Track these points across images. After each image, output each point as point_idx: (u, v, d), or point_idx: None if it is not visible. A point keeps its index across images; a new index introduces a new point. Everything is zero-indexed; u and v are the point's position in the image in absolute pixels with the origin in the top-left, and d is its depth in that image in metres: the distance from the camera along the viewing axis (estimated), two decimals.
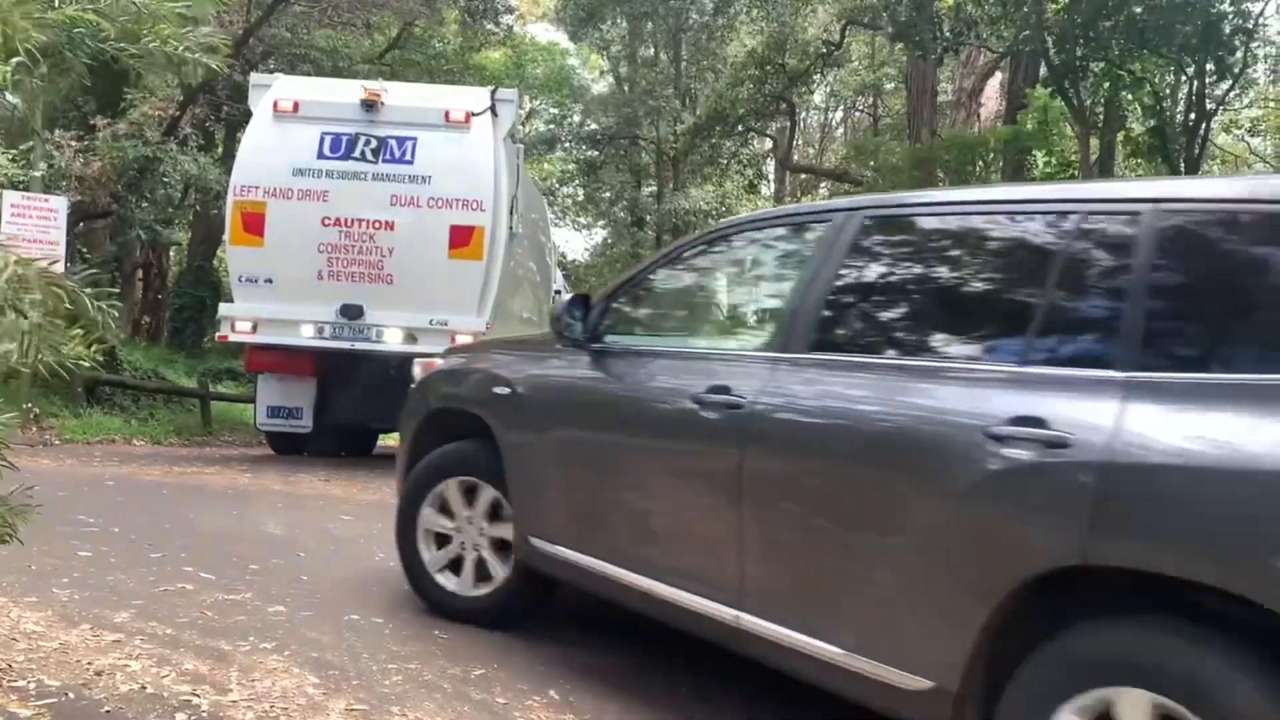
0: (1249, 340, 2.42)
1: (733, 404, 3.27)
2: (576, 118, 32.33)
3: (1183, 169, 13.97)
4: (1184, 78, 14.11)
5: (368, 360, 9.79)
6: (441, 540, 4.41)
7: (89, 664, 3.37)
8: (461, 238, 9.19)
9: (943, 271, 3.22)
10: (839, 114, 30.67)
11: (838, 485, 3.01)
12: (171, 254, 25.32)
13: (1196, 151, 14.18)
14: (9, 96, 11.93)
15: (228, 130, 18.46)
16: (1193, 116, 13.98)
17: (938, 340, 3.08)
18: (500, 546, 4.27)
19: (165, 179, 14.02)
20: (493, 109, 9.58)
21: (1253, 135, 19.38)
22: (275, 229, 9.26)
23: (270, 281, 9.35)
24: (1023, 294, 2.90)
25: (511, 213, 9.73)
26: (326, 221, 9.21)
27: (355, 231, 9.20)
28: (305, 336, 9.43)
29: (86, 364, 2.22)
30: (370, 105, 9.33)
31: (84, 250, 15.55)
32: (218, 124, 17.83)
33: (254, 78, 10.47)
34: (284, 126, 9.50)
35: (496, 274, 9.54)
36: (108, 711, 3.01)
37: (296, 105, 9.50)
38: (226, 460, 10.32)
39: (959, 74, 21.13)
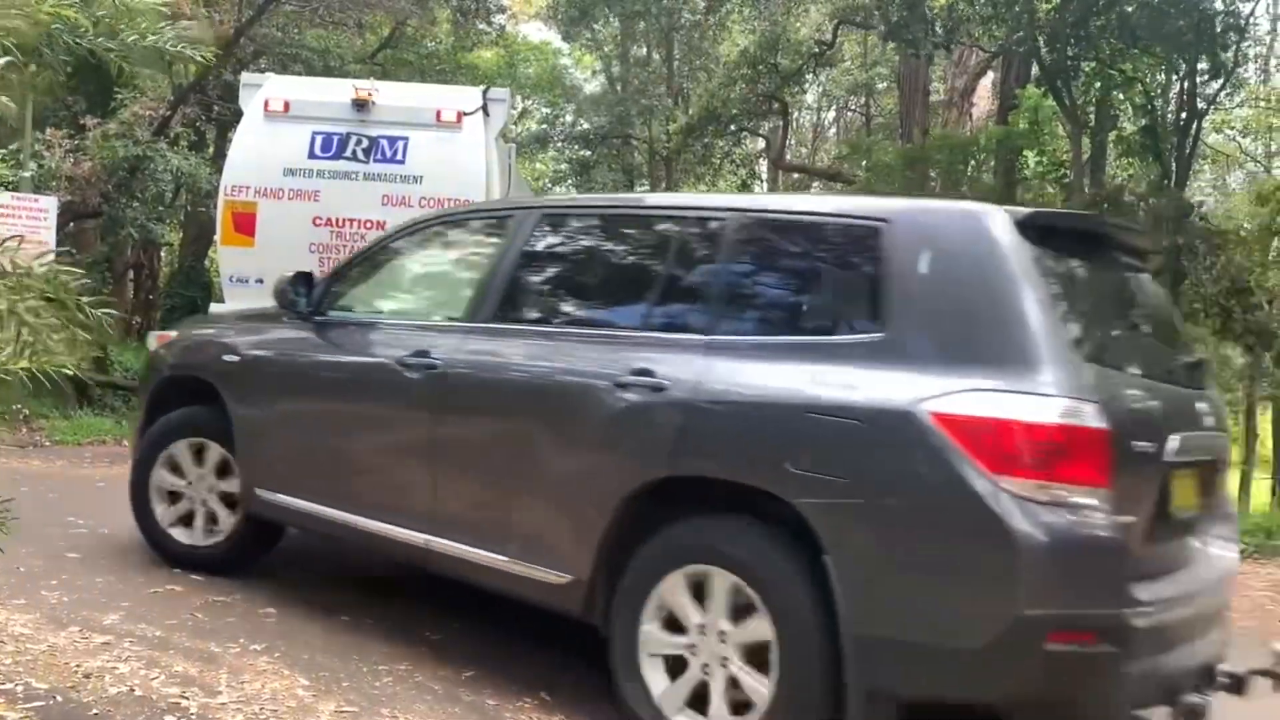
0: (791, 312, 3.46)
1: (430, 365, 3.94)
2: (569, 117, 32.28)
3: (1174, 168, 13.99)
4: (1175, 77, 14.13)
5: None
6: (173, 496, 4.83)
7: (77, 666, 3.35)
8: None
9: (592, 258, 4.15)
10: (831, 113, 30.70)
11: (507, 427, 3.84)
12: (163, 254, 25.24)
13: (1188, 151, 14.22)
14: None
15: (219, 130, 18.38)
16: (1184, 116, 14.00)
17: (586, 311, 3.96)
18: (227, 499, 4.73)
19: (156, 178, 13.96)
20: (484, 108, 9.48)
21: (1244, 135, 19.43)
22: (266, 229, 9.15)
23: (261, 282, 9.03)
24: (646, 277, 3.86)
25: None
26: (318, 221, 9.12)
27: (346, 232, 9.08)
28: None
29: (70, 372, 2.18)
30: (361, 105, 9.25)
31: (74, 250, 15.47)
32: (209, 124, 17.76)
33: (245, 77, 10.35)
34: (275, 126, 9.42)
35: None
36: (95, 714, 2.99)
37: (287, 105, 9.43)
38: None
39: (951, 73, 21.13)
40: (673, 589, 3.21)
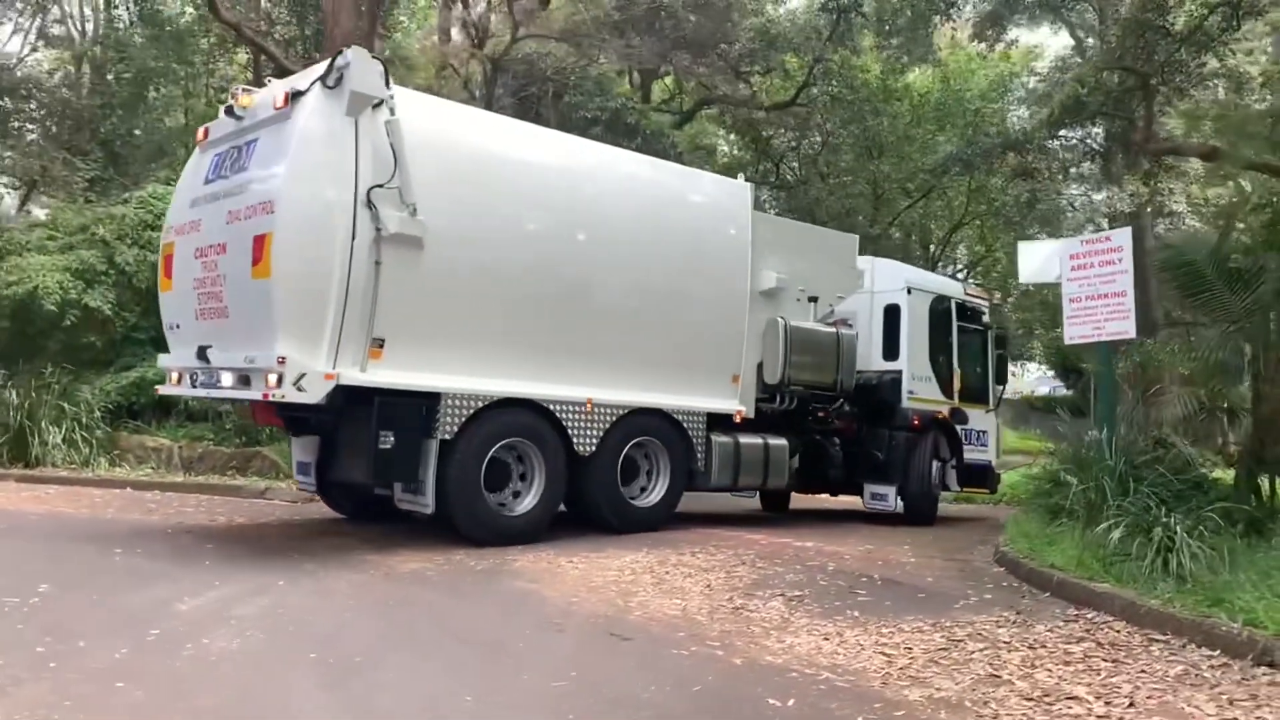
0: None
1: None
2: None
3: None
4: None
5: (333, 412, 7.74)
6: None
7: None
8: (258, 251, 7.10)
9: None
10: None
11: None
12: None
13: None
14: None
15: None
16: None
17: None
18: None
19: None
20: (325, 80, 7.30)
21: None
22: (176, 269, 8.11)
23: (179, 326, 8.17)
24: None
25: (372, 207, 7.28)
26: (197, 254, 7.79)
27: (208, 260, 7.68)
28: (187, 385, 8.09)
29: None
30: (231, 112, 7.80)
31: None
32: None
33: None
34: (197, 158, 8.37)
35: (317, 292, 7.11)
36: None
37: (206, 132, 8.31)
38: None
39: None
40: None
